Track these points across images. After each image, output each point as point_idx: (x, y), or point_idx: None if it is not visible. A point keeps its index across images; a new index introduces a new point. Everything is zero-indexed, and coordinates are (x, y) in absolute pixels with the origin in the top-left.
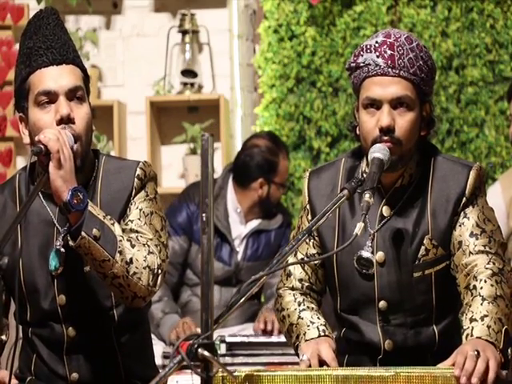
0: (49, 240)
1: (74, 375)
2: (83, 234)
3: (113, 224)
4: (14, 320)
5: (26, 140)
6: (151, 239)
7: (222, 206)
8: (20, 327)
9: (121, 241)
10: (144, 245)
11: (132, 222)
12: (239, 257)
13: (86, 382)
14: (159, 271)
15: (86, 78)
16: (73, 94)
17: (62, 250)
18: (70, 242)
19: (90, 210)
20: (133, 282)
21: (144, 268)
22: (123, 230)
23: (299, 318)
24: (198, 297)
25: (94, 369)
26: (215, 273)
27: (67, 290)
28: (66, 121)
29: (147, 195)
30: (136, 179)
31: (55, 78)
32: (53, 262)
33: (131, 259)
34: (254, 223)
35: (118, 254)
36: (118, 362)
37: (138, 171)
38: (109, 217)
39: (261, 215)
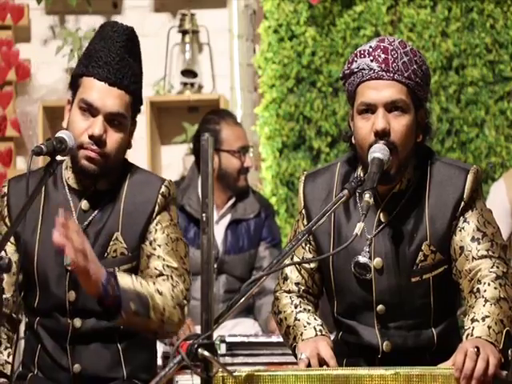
0: None
1: (77, 366)
2: (123, 314)
3: (141, 284)
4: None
5: (65, 124)
6: (176, 268)
7: (195, 194)
8: (21, 324)
9: (152, 297)
10: (168, 277)
11: (160, 247)
12: (220, 249)
13: (87, 373)
14: (185, 301)
15: (137, 103)
16: (112, 118)
17: None
18: (109, 321)
19: (122, 287)
20: (167, 325)
21: (174, 308)
22: (150, 255)
23: (296, 319)
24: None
25: (96, 361)
26: (198, 262)
27: (78, 287)
28: (97, 142)
29: (172, 220)
30: (160, 196)
31: (102, 95)
32: (69, 257)
33: (163, 308)
34: (228, 208)
35: (152, 312)
36: (119, 358)
37: (163, 189)
38: (135, 278)
39: (227, 192)
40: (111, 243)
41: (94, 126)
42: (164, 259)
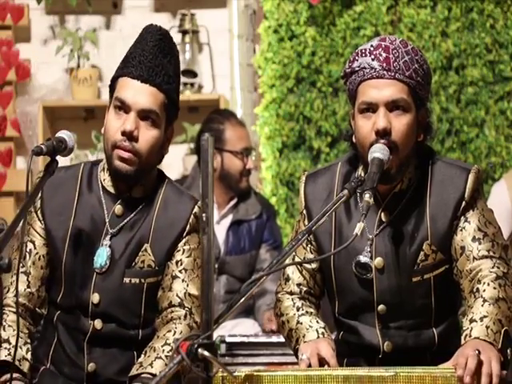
0: (97, 235)
1: (92, 365)
2: None
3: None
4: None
5: (103, 129)
6: (196, 297)
7: (197, 194)
8: (26, 321)
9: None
10: (187, 313)
11: (186, 271)
12: (221, 249)
13: (102, 374)
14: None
15: (172, 106)
16: (145, 115)
17: (109, 249)
18: None
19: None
20: None
21: None
22: (175, 277)
23: (298, 322)
24: None
25: (110, 364)
26: None
27: (103, 291)
28: (129, 137)
29: (199, 243)
30: (193, 216)
31: (134, 92)
32: (99, 260)
33: None
34: (230, 209)
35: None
36: (134, 364)
37: (196, 209)
38: (164, 355)
39: (229, 192)
40: (140, 254)
41: (126, 122)
42: (188, 285)
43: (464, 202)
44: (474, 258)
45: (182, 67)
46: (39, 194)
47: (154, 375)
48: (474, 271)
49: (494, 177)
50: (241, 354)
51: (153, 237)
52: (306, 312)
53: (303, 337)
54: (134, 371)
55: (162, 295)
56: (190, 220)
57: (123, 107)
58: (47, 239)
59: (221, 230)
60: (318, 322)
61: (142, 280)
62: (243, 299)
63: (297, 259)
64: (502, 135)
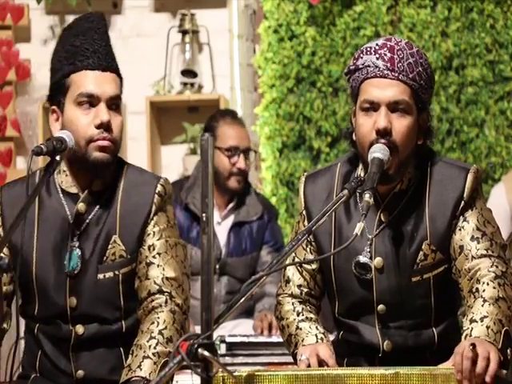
0: (64, 238)
1: (80, 372)
2: None
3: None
4: (17, 316)
5: (56, 132)
6: (175, 279)
7: (199, 194)
8: (21, 326)
9: (166, 357)
10: (167, 299)
11: (160, 255)
12: (223, 250)
13: (91, 379)
14: (187, 311)
15: (122, 88)
16: (112, 103)
17: (78, 250)
18: None
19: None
20: None
21: (183, 332)
22: (150, 264)
23: (297, 328)
24: None
25: (99, 366)
26: (199, 262)
27: (79, 292)
28: (106, 127)
29: (169, 221)
30: (157, 195)
31: (99, 83)
32: (71, 263)
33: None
34: (231, 210)
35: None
36: (122, 361)
37: (159, 188)
38: (151, 352)
39: (225, 194)
40: (109, 246)
41: (99, 114)
42: (164, 269)
43: (463, 202)
44: (472, 257)
45: (182, 67)
46: None
47: (144, 378)
48: (472, 270)
49: (494, 177)
50: (241, 353)
51: (120, 226)
52: (306, 318)
53: (302, 341)
54: (123, 377)
55: (140, 285)
56: (155, 200)
57: (90, 100)
58: (12, 255)
59: (222, 231)
60: (317, 328)
61: (117, 272)
62: (243, 299)
63: (297, 260)
64: (502, 135)
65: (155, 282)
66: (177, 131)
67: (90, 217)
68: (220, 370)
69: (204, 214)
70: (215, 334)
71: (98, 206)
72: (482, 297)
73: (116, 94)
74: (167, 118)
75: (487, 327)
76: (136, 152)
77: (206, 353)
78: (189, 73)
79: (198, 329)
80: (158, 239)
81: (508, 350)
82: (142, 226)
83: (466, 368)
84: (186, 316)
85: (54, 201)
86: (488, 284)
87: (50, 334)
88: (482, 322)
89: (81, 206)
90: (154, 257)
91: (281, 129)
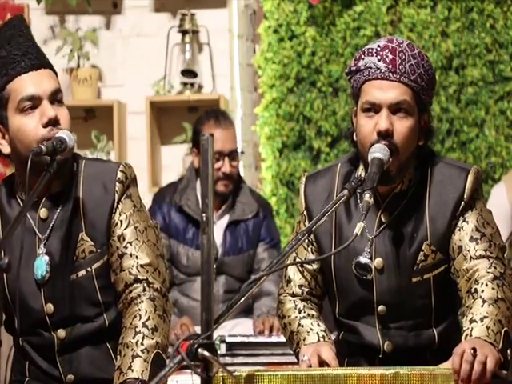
0: (31, 248)
1: (70, 377)
2: None
3: (145, 351)
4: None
5: (6, 150)
6: (149, 264)
7: (193, 195)
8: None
9: (159, 346)
10: (145, 287)
11: (131, 244)
12: (219, 250)
13: (82, 379)
14: (166, 293)
15: (58, 81)
16: (54, 97)
17: (46, 257)
18: None
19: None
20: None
21: (166, 318)
22: (122, 255)
23: (299, 325)
24: (185, 296)
25: (89, 365)
26: (197, 263)
27: (54, 298)
28: (54, 123)
29: (135, 206)
30: (117, 183)
31: (36, 82)
32: (39, 271)
33: (165, 333)
34: (226, 209)
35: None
36: (111, 357)
37: (119, 174)
38: (140, 350)
39: (216, 197)
40: (78, 245)
41: (45, 112)
42: (137, 257)
43: (463, 203)
44: (471, 257)
45: (182, 67)
46: None
47: (137, 379)
48: (470, 271)
49: (494, 177)
50: (241, 353)
51: (85, 222)
52: (308, 315)
53: (304, 340)
54: (116, 381)
55: (116, 278)
56: (116, 188)
57: (33, 102)
58: None
59: (218, 230)
60: (319, 324)
61: (89, 269)
62: (243, 299)
63: (298, 260)
64: (502, 135)
65: (130, 273)
66: (177, 131)
67: (53, 220)
68: (220, 369)
69: (204, 214)
70: (215, 334)
71: (59, 208)
72: (481, 297)
73: (56, 88)
74: (167, 118)
75: (487, 327)
76: (136, 152)
77: (206, 353)
78: (189, 73)
79: (198, 329)
80: (127, 227)
81: (508, 351)
82: (107, 217)
83: (464, 371)
84: (167, 298)
85: (16, 211)
86: (487, 285)
87: (35, 344)
88: (481, 322)
89: (42, 212)
90: (125, 247)
91: (281, 129)
